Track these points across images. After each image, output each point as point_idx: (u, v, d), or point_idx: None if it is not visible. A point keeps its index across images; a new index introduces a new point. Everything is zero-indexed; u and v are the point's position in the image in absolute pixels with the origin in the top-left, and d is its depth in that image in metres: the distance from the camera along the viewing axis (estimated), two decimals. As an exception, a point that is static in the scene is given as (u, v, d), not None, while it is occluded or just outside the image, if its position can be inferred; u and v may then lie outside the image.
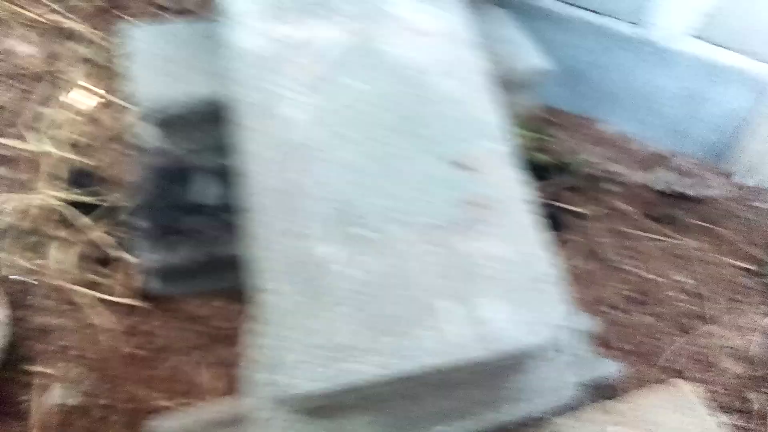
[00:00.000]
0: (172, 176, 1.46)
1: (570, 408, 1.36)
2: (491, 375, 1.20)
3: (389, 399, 1.17)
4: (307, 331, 1.03)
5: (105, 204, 1.86)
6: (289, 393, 1.00)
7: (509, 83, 1.50)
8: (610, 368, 1.55)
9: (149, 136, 1.34)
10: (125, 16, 2.38)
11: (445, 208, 1.17)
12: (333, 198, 1.12)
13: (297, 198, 1.10)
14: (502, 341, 1.07)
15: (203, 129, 1.38)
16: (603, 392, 1.53)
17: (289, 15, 1.26)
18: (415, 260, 1.11)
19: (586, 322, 1.55)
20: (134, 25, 1.49)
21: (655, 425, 1.36)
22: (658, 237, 2.20)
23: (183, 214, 1.55)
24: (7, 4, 2.29)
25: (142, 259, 1.64)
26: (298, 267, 1.07)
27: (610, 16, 2.31)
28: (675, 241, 2.20)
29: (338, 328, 1.04)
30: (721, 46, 2.22)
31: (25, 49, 2.22)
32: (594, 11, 2.32)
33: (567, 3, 2.34)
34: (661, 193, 2.32)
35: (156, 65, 1.39)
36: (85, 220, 1.83)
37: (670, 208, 2.29)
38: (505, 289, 1.12)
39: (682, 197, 2.32)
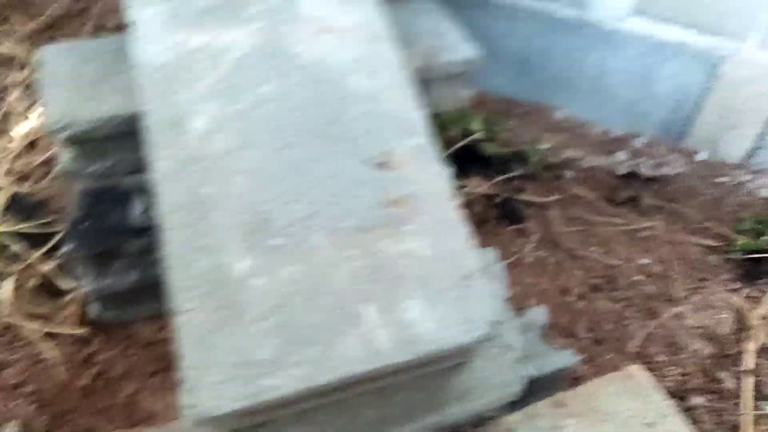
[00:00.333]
0: (102, 198, 1.43)
1: (522, 403, 1.33)
2: (428, 377, 1.16)
3: (325, 411, 1.14)
4: (226, 350, 1.00)
5: (54, 233, 1.83)
6: (207, 414, 0.97)
7: (439, 76, 1.48)
8: (567, 360, 1.52)
9: (67, 157, 1.31)
10: (61, 37, 2.35)
11: (368, 210, 1.13)
12: (247, 209, 1.09)
13: (209, 211, 1.07)
14: (430, 343, 1.04)
15: (124, 147, 1.34)
16: (563, 384, 1.50)
17: (193, 21, 1.22)
18: (338, 267, 1.08)
19: (538, 315, 1.52)
20: (46, 45, 1.46)
21: (610, 414, 1.34)
22: (620, 221, 2.17)
23: (121, 237, 1.51)
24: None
25: (86, 287, 1.61)
26: (214, 284, 1.04)
27: (552, 0, 2.29)
28: (638, 224, 2.17)
29: (258, 343, 1.01)
30: (665, 21, 2.19)
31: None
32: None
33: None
34: (622, 177, 2.29)
35: (64, 84, 1.35)
36: (33, 252, 1.80)
37: (631, 190, 2.25)
38: (431, 289, 1.09)
39: (642, 179, 2.28)
